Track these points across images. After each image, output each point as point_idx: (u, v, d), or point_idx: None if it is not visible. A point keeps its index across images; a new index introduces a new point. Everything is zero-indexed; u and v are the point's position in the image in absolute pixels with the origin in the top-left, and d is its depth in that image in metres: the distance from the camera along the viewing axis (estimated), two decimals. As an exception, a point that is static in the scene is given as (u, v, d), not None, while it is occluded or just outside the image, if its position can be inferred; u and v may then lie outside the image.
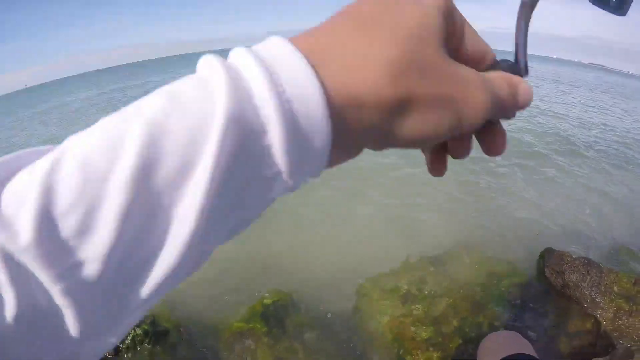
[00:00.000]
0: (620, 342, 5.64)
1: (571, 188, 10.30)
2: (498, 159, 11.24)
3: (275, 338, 5.62)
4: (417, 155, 0.73)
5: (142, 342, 5.41)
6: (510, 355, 1.82)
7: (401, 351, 5.48)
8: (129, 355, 5.34)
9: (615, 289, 6.13)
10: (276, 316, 5.95)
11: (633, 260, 7.47)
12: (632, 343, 5.62)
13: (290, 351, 5.49)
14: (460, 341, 5.63)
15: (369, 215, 8.39)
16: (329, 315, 6.07)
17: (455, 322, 5.90)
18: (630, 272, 6.64)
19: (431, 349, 5.50)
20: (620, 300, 6.00)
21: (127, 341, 5.19)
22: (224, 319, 5.95)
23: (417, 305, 6.15)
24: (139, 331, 5.45)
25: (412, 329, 5.75)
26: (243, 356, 5.41)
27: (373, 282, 6.59)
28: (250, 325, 5.74)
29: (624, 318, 5.88)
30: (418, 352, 5.44)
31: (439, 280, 6.68)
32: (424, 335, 5.68)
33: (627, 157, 14.23)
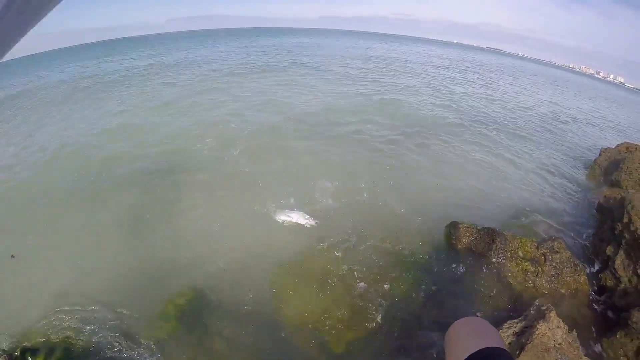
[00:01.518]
0: (535, 302, 5.87)
1: (468, 161, 10.77)
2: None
3: (196, 337, 5.43)
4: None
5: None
6: (481, 350, 1.74)
7: (324, 334, 5.46)
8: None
9: (520, 253, 6.43)
10: (192, 315, 5.76)
11: (534, 226, 7.89)
12: (542, 302, 5.88)
13: (210, 351, 5.30)
14: (382, 315, 5.69)
15: (273, 200, 8.41)
16: (246, 307, 5.91)
17: (372, 301, 5.94)
18: (533, 236, 6.95)
19: (354, 326, 5.54)
20: (526, 264, 6.30)
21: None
22: (137, 327, 5.65)
23: (333, 288, 6.14)
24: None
25: (330, 311, 5.74)
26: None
27: (285, 269, 6.55)
28: (168, 329, 5.53)
29: (531, 279, 6.18)
30: (341, 331, 5.47)
31: (350, 261, 6.71)
32: (344, 313, 5.72)
33: (517, 127, 15.18)
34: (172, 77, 24.85)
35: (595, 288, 6.36)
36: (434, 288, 6.24)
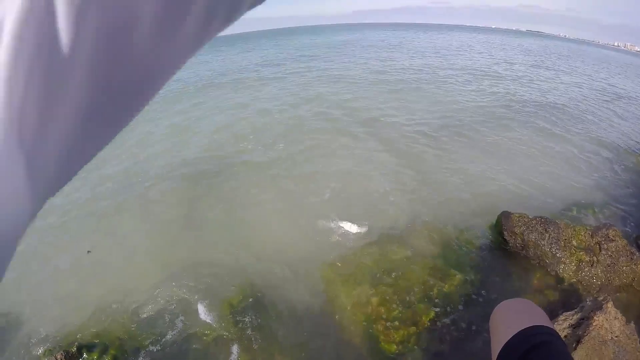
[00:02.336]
0: (589, 293, 5.75)
1: (515, 152, 10.51)
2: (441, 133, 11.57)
3: (250, 340, 5.51)
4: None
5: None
6: (526, 329, 1.70)
7: (375, 333, 5.45)
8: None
9: (574, 242, 6.26)
10: (246, 318, 5.83)
11: (586, 214, 7.67)
12: (598, 293, 5.73)
13: (266, 351, 5.38)
14: (433, 314, 5.66)
15: (319, 202, 8.42)
16: (299, 308, 5.98)
17: (423, 296, 5.92)
18: (586, 225, 6.75)
19: (404, 325, 5.50)
20: (580, 253, 6.13)
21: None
22: (194, 328, 5.78)
23: (382, 285, 6.14)
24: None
25: (382, 309, 5.74)
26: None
27: (335, 267, 6.58)
28: (224, 331, 5.64)
29: (586, 269, 6.01)
30: (391, 331, 5.44)
31: (400, 257, 6.70)
32: (395, 313, 5.69)
33: (569, 115, 14.69)
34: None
35: None
36: (485, 282, 6.17)
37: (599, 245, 6.15)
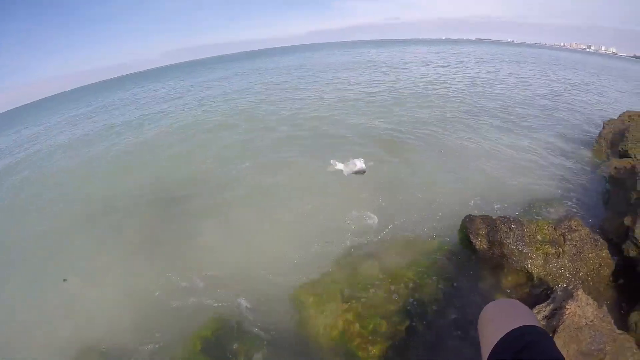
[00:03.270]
0: (558, 284, 5.79)
1: (474, 156, 10.62)
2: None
3: None
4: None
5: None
6: (515, 329, 1.65)
7: (352, 348, 5.35)
8: None
9: (539, 237, 6.32)
10: (219, 347, 5.67)
11: (547, 209, 7.77)
12: (568, 282, 5.77)
13: None
14: (408, 323, 5.61)
15: (287, 223, 8.32)
16: (272, 332, 5.85)
17: (397, 308, 5.86)
18: (549, 219, 6.82)
19: (380, 338, 5.42)
20: (546, 246, 6.19)
21: None
22: None
23: (354, 301, 6.04)
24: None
25: (357, 324, 5.63)
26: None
27: (307, 287, 6.47)
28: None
29: (553, 261, 6.06)
30: (368, 346, 5.33)
31: (370, 271, 6.64)
32: (370, 327, 5.60)
33: (520, 117, 15.03)
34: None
35: (619, 261, 6.21)
36: (457, 286, 6.18)
37: (563, 236, 6.24)
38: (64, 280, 7.13)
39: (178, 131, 18.31)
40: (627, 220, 6.48)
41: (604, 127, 11.45)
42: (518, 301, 2.15)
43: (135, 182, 11.26)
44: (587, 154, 10.52)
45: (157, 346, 5.82)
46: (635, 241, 6.15)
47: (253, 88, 32.57)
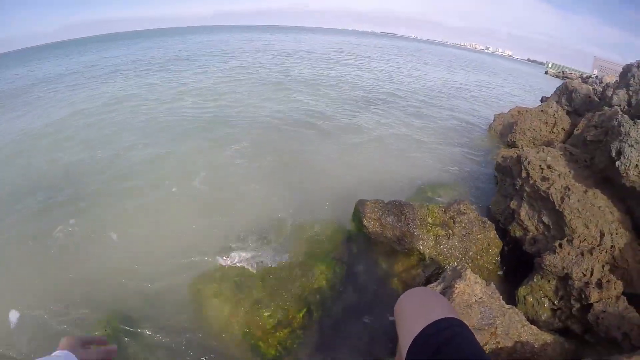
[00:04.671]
0: (449, 264, 5.93)
1: (367, 142, 10.72)
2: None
3: None
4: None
5: None
6: (434, 322, 1.55)
7: (252, 340, 5.21)
8: None
9: (430, 220, 6.44)
10: (119, 345, 5.23)
11: (438, 192, 7.99)
12: (458, 261, 5.92)
13: None
14: (305, 310, 5.54)
15: (177, 212, 7.90)
16: (170, 325, 5.54)
17: (294, 296, 5.78)
18: (439, 203, 6.97)
19: (280, 327, 5.34)
20: (436, 229, 6.31)
21: None
22: None
23: (252, 293, 5.88)
24: None
25: (255, 316, 5.51)
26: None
27: (202, 280, 6.20)
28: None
29: (444, 242, 6.19)
30: (267, 336, 5.24)
31: (266, 262, 6.47)
32: (268, 317, 5.49)
33: (415, 103, 15.40)
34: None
35: (506, 241, 6.51)
36: (352, 270, 6.18)
37: (453, 219, 6.40)
38: None
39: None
40: (512, 204, 6.79)
41: (494, 120, 12.06)
42: (432, 290, 2.05)
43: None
44: (478, 143, 10.99)
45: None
46: (520, 222, 6.48)
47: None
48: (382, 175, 8.81)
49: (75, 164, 9.61)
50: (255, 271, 6.26)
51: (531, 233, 6.31)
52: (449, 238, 6.20)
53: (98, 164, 9.58)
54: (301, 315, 5.46)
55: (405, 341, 1.60)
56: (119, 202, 8.10)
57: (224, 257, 6.58)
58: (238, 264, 6.42)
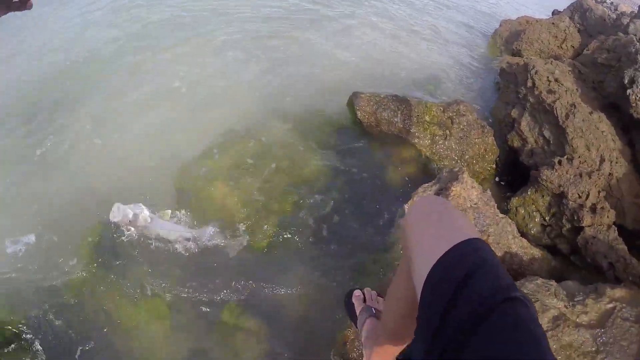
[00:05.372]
0: (444, 165, 5.76)
1: (363, 32, 10.01)
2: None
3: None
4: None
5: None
6: (453, 249, 1.34)
7: (238, 227, 5.05)
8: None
9: (427, 118, 6.15)
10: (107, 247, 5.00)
11: (436, 90, 7.65)
12: (454, 163, 5.71)
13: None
14: (296, 198, 5.41)
15: (165, 110, 7.31)
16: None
17: (284, 185, 5.62)
18: (438, 101, 6.63)
19: (269, 216, 5.21)
20: (433, 127, 6.05)
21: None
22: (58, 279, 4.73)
23: (240, 181, 5.64)
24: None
25: (244, 207, 5.34)
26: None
27: (193, 167, 5.89)
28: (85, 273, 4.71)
29: (440, 142, 5.95)
30: (256, 229, 5.08)
31: (256, 149, 6.15)
32: (257, 207, 5.32)
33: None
34: None
35: (503, 149, 6.33)
36: (345, 161, 5.95)
37: (451, 119, 6.14)
38: None
39: None
40: (514, 113, 6.48)
41: (500, 25, 11.45)
42: (449, 202, 1.74)
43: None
44: (481, 47, 10.46)
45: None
46: (520, 133, 6.21)
47: None
48: (378, 68, 8.30)
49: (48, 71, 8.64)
50: (242, 163, 5.90)
51: (530, 145, 6.07)
52: (445, 139, 5.95)
53: (72, 67, 8.64)
54: (289, 206, 5.34)
55: (423, 262, 1.40)
56: (101, 106, 7.37)
57: (215, 150, 6.16)
58: (227, 155, 6.05)
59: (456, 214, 1.57)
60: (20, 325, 4.18)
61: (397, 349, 2.82)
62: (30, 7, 1.60)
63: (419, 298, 1.38)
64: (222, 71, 8.13)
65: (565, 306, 3.55)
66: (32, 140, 6.73)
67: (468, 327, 1.12)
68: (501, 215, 4.54)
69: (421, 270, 1.38)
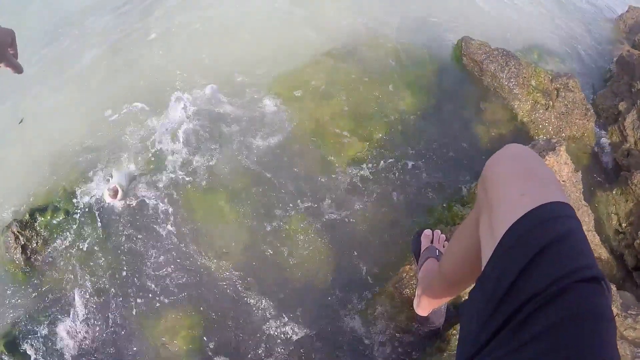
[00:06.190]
0: (539, 135, 5.52)
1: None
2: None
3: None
4: None
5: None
6: (540, 208, 1.20)
7: (324, 146, 5.10)
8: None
9: (533, 82, 5.84)
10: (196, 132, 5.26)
11: (546, 58, 7.24)
12: (549, 137, 5.44)
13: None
14: (384, 131, 5.29)
15: (265, 12, 7.12)
16: (244, 119, 5.38)
17: (376, 112, 5.49)
18: (547, 70, 6.25)
19: (357, 139, 5.16)
20: (537, 94, 5.74)
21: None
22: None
23: (335, 99, 5.57)
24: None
25: (334, 123, 5.32)
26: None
27: (283, 81, 5.82)
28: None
29: (540, 111, 5.67)
30: (344, 147, 5.10)
31: (355, 71, 5.99)
32: (346, 127, 5.27)
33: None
34: None
35: (600, 139, 5.98)
36: (440, 103, 5.79)
37: (557, 91, 5.78)
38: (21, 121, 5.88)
39: None
40: (621, 106, 6.10)
41: (628, 10, 10.64)
42: (540, 157, 1.54)
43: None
44: (604, 26, 9.67)
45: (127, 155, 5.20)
46: (622, 129, 5.84)
47: None
48: (491, 18, 7.83)
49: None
50: (337, 80, 5.83)
51: (629, 144, 5.69)
52: (547, 109, 5.65)
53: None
54: (379, 133, 5.25)
55: (500, 218, 1.29)
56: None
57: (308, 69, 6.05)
58: (320, 68, 5.99)
59: (547, 171, 1.41)
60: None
61: (448, 296, 2.77)
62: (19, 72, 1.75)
63: (488, 254, 1.28)
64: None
65: (617, 314, 3.42)
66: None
67: (537, 304, 1.04)
68: (584, 202, 4.36)
69: (497, 226, 1.28)
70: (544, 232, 1.15)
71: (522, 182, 1.36)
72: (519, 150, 1.52)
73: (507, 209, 1.27)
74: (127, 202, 4.70)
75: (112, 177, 4.81)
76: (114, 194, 4.59)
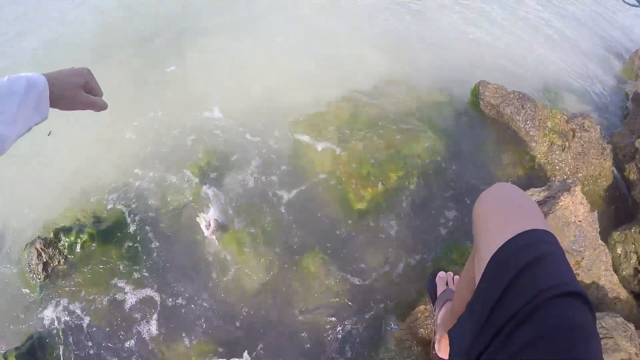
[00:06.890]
0: (555, 176, 5.64)
1: (505, 20, 9.66)
2: None
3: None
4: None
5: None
6: (521, 235, 1.33)
7: (344, 189, 5.28)
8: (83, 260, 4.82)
9: (549, 124, 5.99)
10: (216, 170, 5.57)
11: (562, 99, 7.39)
12: (566, 178, 5.55)
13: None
14: (401, 172, 5.45)
15: (292, 54, 7.49)
16: (267, 153, 5.72)
17: (392, 155, 5.65)
18: (562, 110, 6.42)
19: (373, 182, 5.31)
20: (553, 136, 5.88)
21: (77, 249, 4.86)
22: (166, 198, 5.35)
23: (352, 140, 5.79)
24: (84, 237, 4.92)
25: (353, 166, 5.49)
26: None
27: (306, 123, 6.11)
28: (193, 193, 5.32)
29: (557, 152, 5.80)
30: (360, 188, 5.26)
31: (371, 115, 6.24)
32: (364, 170, 5.42)
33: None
34: None
35: (617, 178, 6.06)
36: (457, 146, 5.97)
37: (573, 132, 5.91)
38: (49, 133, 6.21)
39: None
40: (638, 143, 6.13)
41: (640, 48, 10.80)
42: (522, 191, 1.71)
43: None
44: (616, 64, 9.79)
45: (156, 174, 5.58)
46: (639, 166, 5.87)
47: None
48: (506, 59, 8.06)
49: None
50: (356, 123, 6.11)
51: (646, 183, 5.77)
52: (563, 150, 5.78)
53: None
54: (396, 176, 5.41)
55: (486, 248, 1.39)
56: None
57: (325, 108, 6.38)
58: (340, 111, 6.26)
59: (528, 203, 1.57)
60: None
61: None
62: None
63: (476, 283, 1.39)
64: (353, 26, 8.20)
65: (636, 353, 3.49)
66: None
67: (516, 323, 1.12)
68: (601, 242, 4.41)
69: (483, 256, 1.40)
70: (522, 256, 1.27)
71: (503, 215, 1.52)
72: (500, 188, 1.71)
73: (490, 241, 1.41)
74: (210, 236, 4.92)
75: (210, 209, 5.08)
76: (208, 225, 4.79)
